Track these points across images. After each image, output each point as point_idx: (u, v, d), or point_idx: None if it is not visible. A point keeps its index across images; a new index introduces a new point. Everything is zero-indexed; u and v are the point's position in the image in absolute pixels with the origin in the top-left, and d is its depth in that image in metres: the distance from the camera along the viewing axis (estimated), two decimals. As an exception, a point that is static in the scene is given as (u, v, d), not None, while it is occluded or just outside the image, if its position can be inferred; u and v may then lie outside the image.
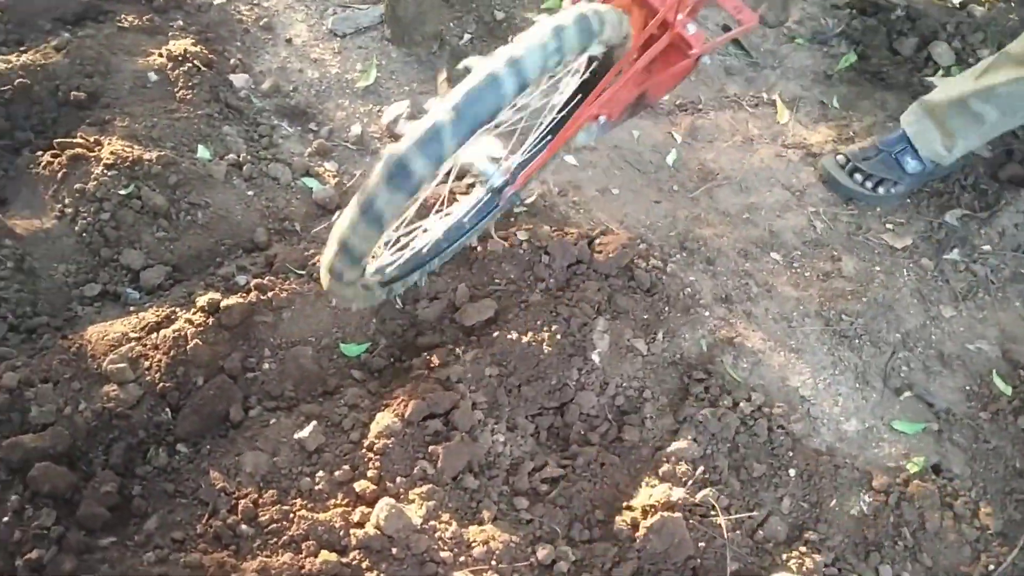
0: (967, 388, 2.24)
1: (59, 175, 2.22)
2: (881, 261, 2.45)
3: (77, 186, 2.20)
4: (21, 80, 2.38)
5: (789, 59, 2.99)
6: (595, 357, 2.07)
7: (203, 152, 2.39)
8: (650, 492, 1.87)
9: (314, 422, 1.86)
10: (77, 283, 2.10)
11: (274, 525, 1.70)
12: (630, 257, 2.24)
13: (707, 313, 2.26)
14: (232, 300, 2.03)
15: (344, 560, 1.64)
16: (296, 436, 1.83)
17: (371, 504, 1.74)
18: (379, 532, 1.67)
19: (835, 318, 2.30)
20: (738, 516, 1.88)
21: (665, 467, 1.93)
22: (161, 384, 1.90)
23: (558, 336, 2.05)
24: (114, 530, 1.73)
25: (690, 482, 1.90)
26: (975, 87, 2.37)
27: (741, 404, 2.05)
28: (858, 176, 2.58)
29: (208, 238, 2.23)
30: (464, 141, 1.48)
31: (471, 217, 2.12)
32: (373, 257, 1.83)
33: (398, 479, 1.79)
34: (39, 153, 2.30)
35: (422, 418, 1.88)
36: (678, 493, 1.86)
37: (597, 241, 2.27)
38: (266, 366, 1.98)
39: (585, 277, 2.20)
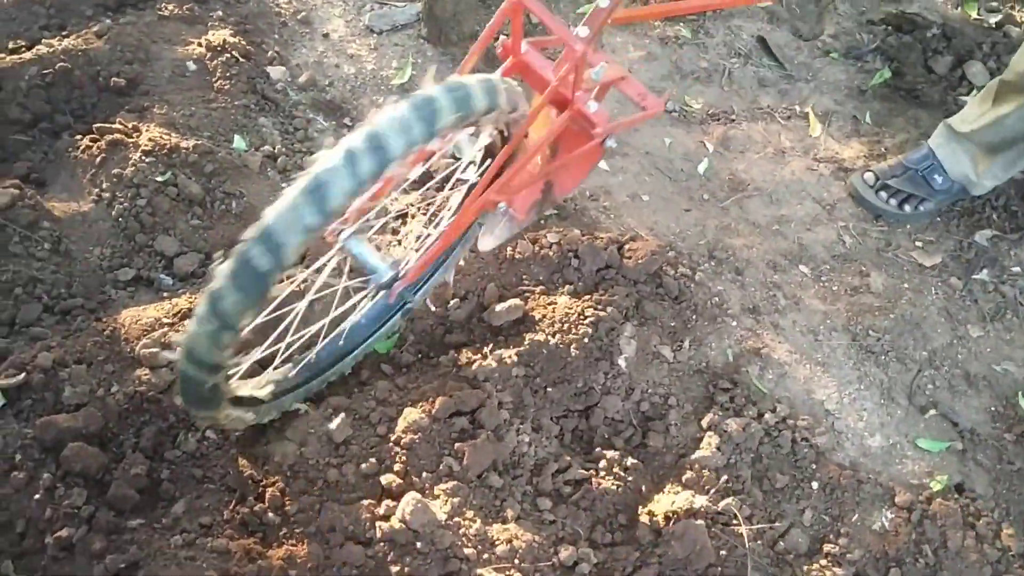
0: (992, 409, 2.23)
1: (97, 160, 2.25)
2: (910, 278, 2.45)
3: (115, 171, 2.22)
4: (62, 64, 2.41)
5: (823, 73, 2.99)
6: (621, 362, 2.08)
7: (239, 143, 2.41)
8: (673, 498, 1.88)
9: (343, 414, 1.87)
10: (112, 267, 2.12)
11: (301, 514, 1.72)
12: (659, 264, 2.25)
13: (734, 323, 2.26)
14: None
15: (369, 552, 1.65)
16: (324, 427, 1.84)
17: (397, 498, 1.75)
18: (404, 526, 1.68)
19: (862, 333, 2.30)
20: (760, 526, 1.88)
21: (688, 474, 1.93)
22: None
23: (585, 339, 2.06)
24: (143, 512, 1.75)
25: (713, 490, 1.90)
26: (984, 122, 2.38)
27: (766, 415, 2.05)
28: (884, 194, 2.58)
29: (241, 228, 2.21)
30: (317, 230, 1.28)
31: (369, 319, 1.99)
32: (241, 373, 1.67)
33: (424, 474, 1.80)
34: (78, 137, 2.33)
35: (449, 415, 1.90)
36: (701, 501, 1.87)
37: (627, 247, 2.28)
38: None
39: (614, 282, 2.21)
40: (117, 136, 2.28)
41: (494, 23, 1.68)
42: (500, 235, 2.03)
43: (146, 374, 1.87)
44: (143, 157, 2.22)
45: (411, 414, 1.88)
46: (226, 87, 2.54)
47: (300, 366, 1.84)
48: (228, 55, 2.61)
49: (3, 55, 2.44)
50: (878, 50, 3.04)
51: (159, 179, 2.20)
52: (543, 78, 1.73)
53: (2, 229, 2.06)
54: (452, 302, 2.15)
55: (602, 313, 2.11)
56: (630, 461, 1.94)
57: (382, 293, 1.72)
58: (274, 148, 2.44)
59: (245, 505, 1.74)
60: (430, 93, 1.35)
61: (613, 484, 1.88)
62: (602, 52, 2.05)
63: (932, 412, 2.20)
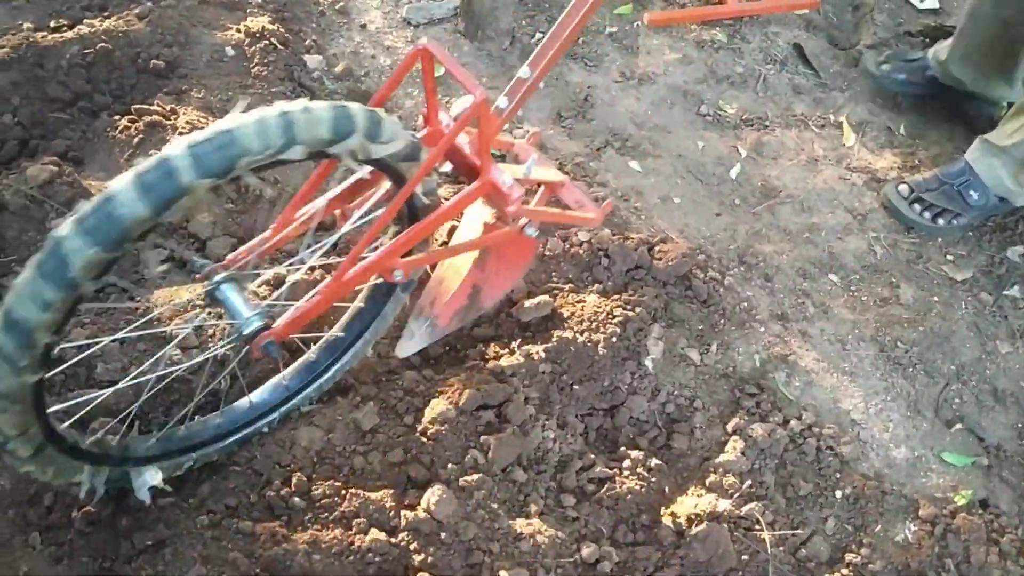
0: (1019, 425, 2.22)
1: (135, 140, 2.26)
2: (940, 292, 2.44)
3: (152, 152, 2.23)
4: (103, 45, 2.43)
5: (858, 82, 2.98)
6: (648, 363, 2.08)
7: (275, 129, 2.42)
8: (696, 501, 1.88)
9: (371, 403, 1.88)
10: (145, 247, 2.14)
11: (326, 500, 1.72)
12: (689, 267, 2.25)
13: (762, 329, 2.26)
14: (296, 278, 2.06)
15: (393, 540, 1.66)
16: (352, 416, 1.85)
17: (422, 488, 1.76)
18: (429, 516, 1.69)
19: (890, 344, 2.29)
20: (782, 532, 1.88)
21: (712, 477, 1.93)
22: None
23: (613, 339, 2.06)
24: (170, 491, 1.76)
25: (736, 495, 1.90)
26: (1014, 141, 2.38)
27: (791, 422, 2.05)
28: (917, 206, 2.57)
29: (274, 214, 2.25)
30: (115, 246, 1.19)
31: (258, 402, 1.83)
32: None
33: (449, 466, 1.81)
34: (116, 118, 2.35)
35: (475, 408, 1.90)
36: (724, 504, 1.86)
37: (657, 248, 2.28)
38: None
39: (643, 283, 2.21)
40: (155, 118, 2.30)
41: (401, 68, 1.61)
42: (420, 341, 2.00)
43: (177, 355, 1.88)
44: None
45: (438, 405, 1.89)
46: (263, 73, 2.55)
47: (158, 436, 1.69)
48: (266, 42, 2.62)
49: (45, 33, 2.46)
50: (915, 62, 3.02)
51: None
52: (459, 149, 1.71)
53: (40, 205, 2.08)
54: (481, 296, 2.15)
55: (631, 313, 2.11)
56: (654, 462, 1.94)
57: (247, 349, 1.55)
58: (309, 136, 2.45)
59: (272, 489, 1.75)
60: (228, 124, 1.26)
61: (637, 484, 1.88)
62: (542, 156, 1.97)
63: (958, 426, 2.19)
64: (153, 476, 1.67)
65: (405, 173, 1.55)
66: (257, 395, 1.82)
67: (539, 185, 1.90)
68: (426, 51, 1.57)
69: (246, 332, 1.50)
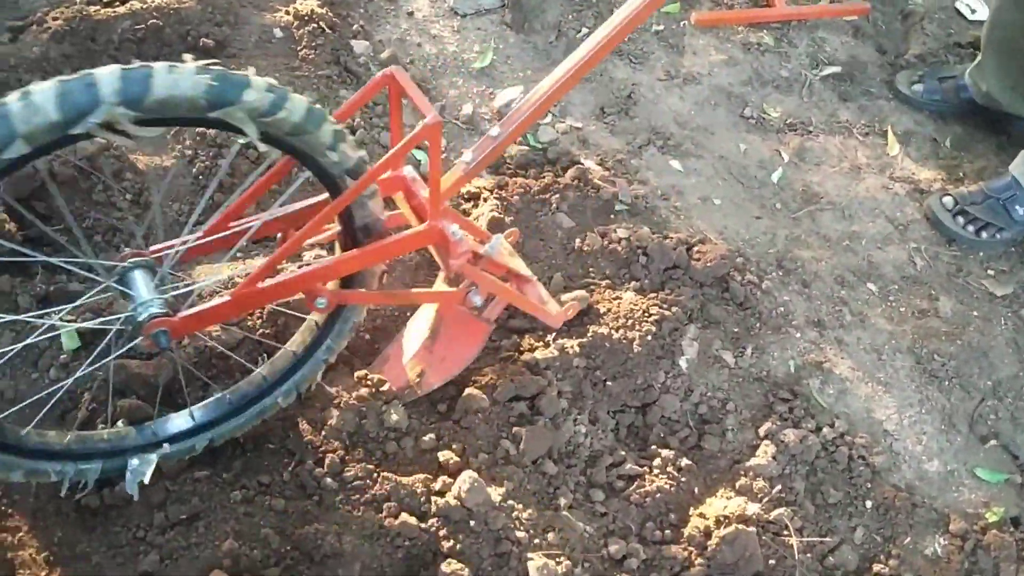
0: (1054, 445, 2.20)
1: (183, 117, 2.28)
2: (979, 306, 2.41)
3: (199, 129, 2.26)
4: (154, 21, 2.45)
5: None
6: (682, 363, 2.07)
7: (319, 112, 2.43)
8: (725, 503, 1.88)
9: (401, 406, 1.88)
10: (188, 223, 2.16)
11: (358, 482, 1.73)
12: (727, 269, 2.24)
13: (798, 335, 2.25)
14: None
15: (423, 525, 1.67)
16: (383, 410, 1.85)
17: (453, 475, 1.76)
18: (459, 503, 1.69)
19: (927, 357, 2.28)
20: (810, 539, 1.87)
21: (742, 480, 1.92)
22: (261, 330, 1.94)
23: (648, 337, 2.05)
24: (205, 465, 1.78)
25: (766, 499, 1.89)
26: None
27: (824, 429, 2.04)
28: (961, 219, 2.54)
29: (317, 195, 2.26)
30: None
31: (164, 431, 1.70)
32: None
33: (480, 455, 1.81)
34: (164, 94, 2.37)
35: (508, 399, 1.91)
36: (753, 508, 1.86)
37: (695, 249, 2.27)
38: (365, 334, 2.02)
39: (680, 283, 2.21)
40: (203, 96, 2.32)
41: (365, 91, 1.61)
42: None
43: (217, 331, 1.90)
44: (227, 118, 2.26)
45: (472, 394, 1.90)
46: (310, 56, 2.56)
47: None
48: (314, 25, 2.63)
49: (97, 7, 2.49)
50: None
51: (241, 141, 2.23)
52: (413, 189, 1.67)
53: (87, 177, 2.10)
54: (518, 288, 2.15)
55: (667, 312, 2.11)
56: (684, 462, 1.93)
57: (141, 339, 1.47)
58: (352, 121, 2.46)
59: (304, 468, 1.77)
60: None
61: (666, 483, 1.88)
62: (514, 253, 1.94)
63: (993, 443, 2.17)
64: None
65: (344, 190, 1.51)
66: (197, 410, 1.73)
67: (507, 274, 1.86)
68: (392, 77, 1.57)
69: (139, 317, 1.44)
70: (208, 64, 1.28)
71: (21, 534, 1.63)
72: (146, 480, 1.62)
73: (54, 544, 1.63)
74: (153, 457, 1.64)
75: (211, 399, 1.73)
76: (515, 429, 1.87)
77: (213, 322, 1.57)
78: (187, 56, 1.31)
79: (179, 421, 1.71)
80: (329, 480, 1.75)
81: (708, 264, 2.23)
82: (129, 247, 1.51)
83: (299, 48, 2.58)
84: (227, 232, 1.60)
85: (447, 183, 1.71)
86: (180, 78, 1.23)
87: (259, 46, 2.56)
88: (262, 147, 1.41)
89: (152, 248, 1.52)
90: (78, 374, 1.62)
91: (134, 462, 1.63)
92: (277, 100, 1.31)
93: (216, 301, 1.52)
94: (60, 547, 1.62)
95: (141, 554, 1.61)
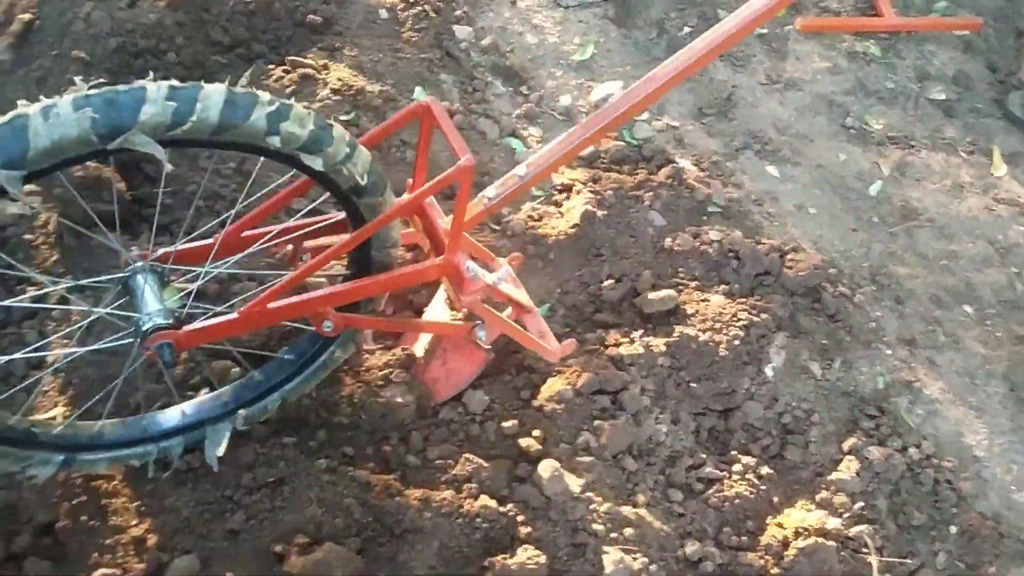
0: None
1: (288, 91, 2.32)
2: (1081, 338, 2.34)
3: (303, 104, 2.29)
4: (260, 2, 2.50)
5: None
6: (768, 370, 2.05)
7: (420, 94, 2.46)
8: (804, 515, 1.85)
9: (481, 391, 1.90)
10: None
11: (440, 461, 1.75)
12: (819, 280, 2.20)
13: (888, 351, 2.20)
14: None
15: (502, 509, 1.68)
16: (466, 399, 1.87)
17: (534, 462, 1.77)
18: (539, 491, 1.70)
19: (1022, 384, 2.21)
20: (890, 559, 1.83)
21: (823, 494, 1.89)
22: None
23: (736, 342, 2.03)
24: (292, 432, 1.82)
25: (847, 514, 1.86)
26: None
27: (910, 450, 1.99)
28: None
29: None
30: None
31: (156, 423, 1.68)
32: None
33: (562, 444, 1.82)
34: (271, 67, 2.42)
35: (592, 392, 1.90)
36: (834, 523, 1.83)
37: (788, 256, 2.24)
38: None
39: (771, 290, 2.18)
40: (308, 71, 2.36)
41: (397, 118, 1.59)
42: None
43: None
44: (331, 94, 2.29)
45: (555, 384, 1.90)
46: (413, 39, 2.59)
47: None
48: (419, 8, 2.66)
49: (213, -21, 2.55)
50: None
51: (343, 117, 2.26)
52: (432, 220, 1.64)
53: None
54: (606, 283, 2.14)
55: (756, 319, 2.08)
56: (765, 470, 1.91)
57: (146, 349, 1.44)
58: (452, 105, 2.48)
59: (387, 443, 1.79)
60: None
61: (746, 489, 1.86)
62: (518, 281, 1.87)
63: (1086, 478, 2.10)
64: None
65: (364, 214, 1.48)
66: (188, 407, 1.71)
67: (510, 303, 1.83)
68: (428, 109, 1.54)
69: (144, 327, 1.40)
70: (93, 87, 1.18)
71: (116, 483, 1.68)
72: (222, 451, 1.65)
73: (145, 495, 1.68)
74: (227, 425, 1.68)
75: (272, 361, 1.74)
76: (596, 422, 1.86)
77: (218, 337, 1.54)
78: (77, 80, 1.21)
79: (247, 386, 1.73)
80: (411, 457, 1.77)
81: (800, 273, 2.20)
82: (136, 248, 1.50)
83: (403, 30, 2.61)
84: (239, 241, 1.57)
85: (470, 215, 1.66)
86: (58, 120, 1.14)
87: (364, 26, 2.60)
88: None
89: (161, 252, 1.49)
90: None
91: (211, 433, 1.67)
92: (183, 105, 1.20)
93: (223, 318, 1.50)
94: (151, 499, 1.67)
95: (228, 512, 1.65)
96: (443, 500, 1.68)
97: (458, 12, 2.74)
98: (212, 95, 1.22)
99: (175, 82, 1.22)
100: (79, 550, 1.61)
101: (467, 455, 1.76)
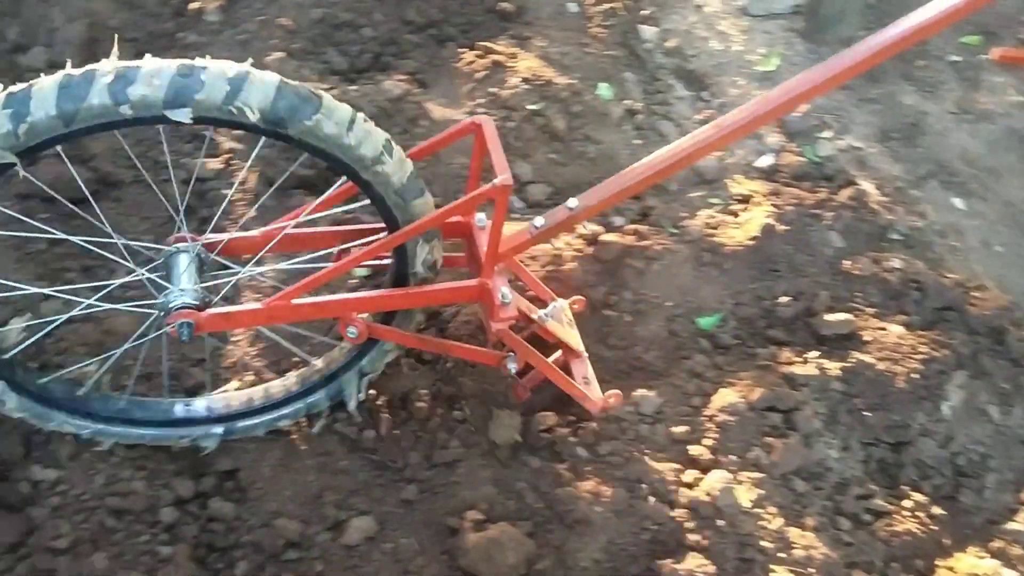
0: None
1: (479, 75, 2.36)
2: None
3: (492, 90, 2.33)
4: (459, -19, 2.55)
5: None
6: (945, 408, 1.98)
7: (604, 90, 2.46)
8: (977, 562, 1.78)
9: (654, 392, 1.89)
10: (466, 176, 2.22)
11: (611, 458, 1.75)
12: (1004, 321, 2.12)
13: (1073, 405, 2.10)
14: (612, 236, 2.09)
15: (671, 513, 1.67)
16: (638, 399, 1.87)
17: (703, 471, 1.76)
18: (710, 500, 1.68)
19: None
20: (1065, 620, 1.75)
21: (998, 543, 1.82)
22: (528, 292, 1.98)
23: (913, 375, 1.97)
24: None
25: (1023, 567, 1.79)
26: None
27: (1092, 508, 1.90)
28: None
29: (591, 172, 2.29)
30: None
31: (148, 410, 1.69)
32: None
33: (731, 456, 1.79)
34: (462, 50, 2.46)
35: (764, 408, 1.88)
36: (1009, 575, 1.76)
37: (972, 293, 2.16)
38: (624, 315, 2.03)
39: (953, 326, 2.10)
40: (499, 58, 2.39)
41: (448, 135, 1.58)
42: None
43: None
44: (521, 83, 2.32)
45: (727, 395, 1.88)
46: (601, 35, 2.60)
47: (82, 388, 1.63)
48: (608, 5, 2.67)
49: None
50: None
51: (532, 107, 2.29)
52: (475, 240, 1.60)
53: (389, 118, 2.20)
54: (781, 299, 2.10)
55: (936, 353, 2.02)
56: (936, 510, 1.84)
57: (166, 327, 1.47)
58: (634, 104, 2.47)
59: (558, 434, 1.80)
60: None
61: (916, 527, 1.80)
62: (573, 323, 1.84)
63: None
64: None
65: (399, 222, 1.48)
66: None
67: (558, 344, 1.78)
68: (480, 127, 1.54)
69: (170, 304, 1.45)
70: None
71: (294, 437, 1.74)
72: (362, 395, 1.71)
73: (320, 454, 1.73)
74: (355, 373, 1.71)
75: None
76: (767, 439, 1.83)
77: (240, 326, 1.57)
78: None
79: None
80: (581, 450, 1.78)
81: (985, 312, 2.12)
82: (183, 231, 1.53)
83: (590, 25, 2.62)
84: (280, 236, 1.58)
85: (510, 243, 1.60)
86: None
87: (553, 18, 2.62)
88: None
89: (208, 237, 1.53)
90: None
91: (346, 383, 1.71)
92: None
93: (248, 307, 1.53)
94: (327, 457, 1.72)
95: (403, 482, 1.69)
96: (613, 496, 1.68)
97: (645, 12, 2.73)
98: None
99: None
100: (259, 497, 1.67)
101: (637, 455, 1.76)
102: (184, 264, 1.48)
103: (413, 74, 2.39)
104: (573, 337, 1.80)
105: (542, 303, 1.79)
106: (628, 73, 2.56)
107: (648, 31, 2.69)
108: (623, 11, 2.66)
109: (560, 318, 1.76)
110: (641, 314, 2.04)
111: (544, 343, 1.75)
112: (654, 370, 1.95)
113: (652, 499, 1.69)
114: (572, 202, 1.58)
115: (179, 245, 1.49)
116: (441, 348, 1.75)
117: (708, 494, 1.69)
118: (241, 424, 1.70)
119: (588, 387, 1.73)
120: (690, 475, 1.75)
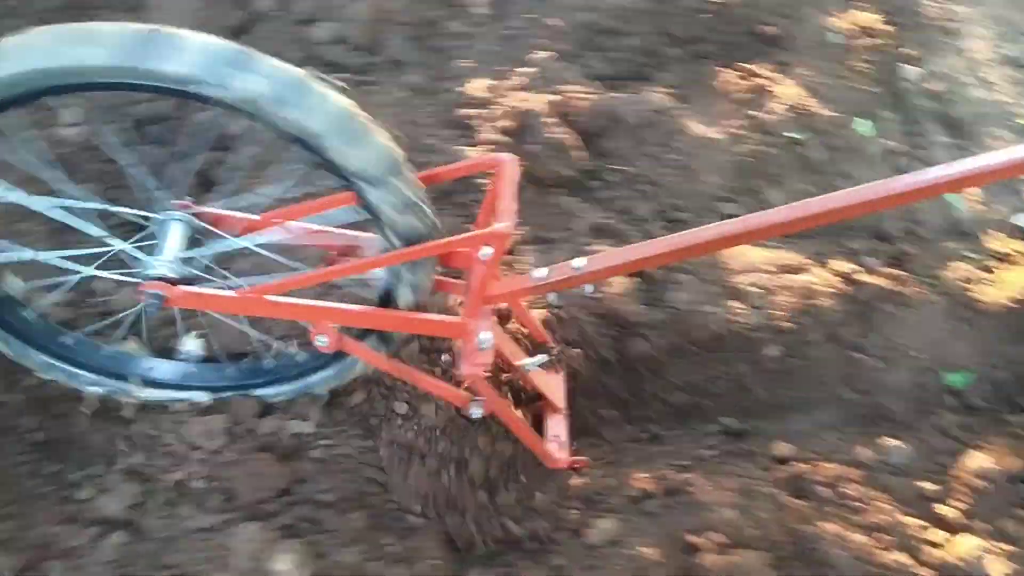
0: None
1: (739, 97, 2.34)
2: None
3: (752, 112, 2.31)
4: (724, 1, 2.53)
5: None
6: None
7: (862, 127, 2.40)
8: None
9: (900, 441, 1.84)
10: (720, 197, 2.21)
11: (855, 503, 1.71)
12: None
13: None
14: (868, 277, 2.04)
15: (919, 573, 1.61)
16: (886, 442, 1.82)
17: (950, 531, 1.69)
18: (962, 564, 1.62)
19: None
20: None
21: None
22: (778, 322, 1.95)
23: None
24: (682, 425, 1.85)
25: None
26: None
27: None
28: None
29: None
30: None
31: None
32: None
33: (982, 523, 1.72)
34: (720, 69, 2.44)
35: (1021, 479, 1.79)
36: None
37: None
38: (872, 358, 1.98)
39: None
40: (762, 82, 2.37)
41: (471, 165, 1.57)
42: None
43: (740, 307, 1.94)
44: (785, 110, 2.29)
45: (981, 459, 1.80)
46: (862, 69, 2.53)
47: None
48: (870, 40, 2.60)
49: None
50: None
51: (793, 135, 2.26)
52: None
53: (649, 127, 2.21)
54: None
55: None
56: None
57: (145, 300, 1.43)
58: (893, 144, 2.40)
59: (795, 468, 1.77)
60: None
61: None
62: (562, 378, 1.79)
63: None
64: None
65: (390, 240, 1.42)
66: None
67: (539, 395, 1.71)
68: (505, 164, 1.49)
69: (146, 272, 1.42)
70: None
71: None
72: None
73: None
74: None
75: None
76: (1020, 511, 1.75)
77: (210, 308, 1.54)
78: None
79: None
80: (822, 489, 1.74)
81: None
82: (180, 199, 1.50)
83: (852, 59, 2.55)
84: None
85: (503, 287, 1.54)
86: None
87: (813, 47, 2.57)
88: None
89: (204, 209, 1.50)
90: None
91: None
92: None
93: (221, 292, 1.48)
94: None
95: (644, 499, 1.71)
96: (858, 544, 1.63)
97: (908, 51, 2.65)
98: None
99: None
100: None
101: (882, 503, 1.71)
102: (174, 232, 1.46)
103: (672, 88, 2.40)
104: (557, 393, 1.75)
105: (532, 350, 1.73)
106: (887, 112, 2.48)
107: (911, 71, 2.60)
108: (886, 47, 2.59)
109: (546, 371, 1.73)
110: (890, 361, 1.99)
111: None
112: (901, 421, 1.89)
113: (896, 552, 1.63)
114: (578, 262, 1.50)
115: (173, 213, 1.47)
116: (409, 376, 1.64)
117: (961, 559, 1.62)
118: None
119: (555, 444, 1.69)
120: (937, 534, 1.69)
